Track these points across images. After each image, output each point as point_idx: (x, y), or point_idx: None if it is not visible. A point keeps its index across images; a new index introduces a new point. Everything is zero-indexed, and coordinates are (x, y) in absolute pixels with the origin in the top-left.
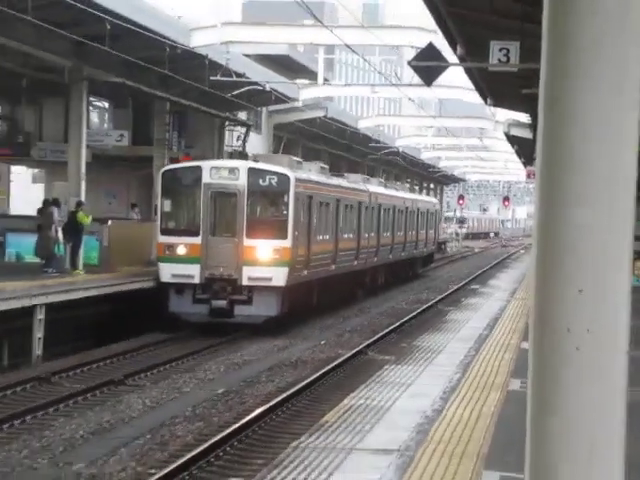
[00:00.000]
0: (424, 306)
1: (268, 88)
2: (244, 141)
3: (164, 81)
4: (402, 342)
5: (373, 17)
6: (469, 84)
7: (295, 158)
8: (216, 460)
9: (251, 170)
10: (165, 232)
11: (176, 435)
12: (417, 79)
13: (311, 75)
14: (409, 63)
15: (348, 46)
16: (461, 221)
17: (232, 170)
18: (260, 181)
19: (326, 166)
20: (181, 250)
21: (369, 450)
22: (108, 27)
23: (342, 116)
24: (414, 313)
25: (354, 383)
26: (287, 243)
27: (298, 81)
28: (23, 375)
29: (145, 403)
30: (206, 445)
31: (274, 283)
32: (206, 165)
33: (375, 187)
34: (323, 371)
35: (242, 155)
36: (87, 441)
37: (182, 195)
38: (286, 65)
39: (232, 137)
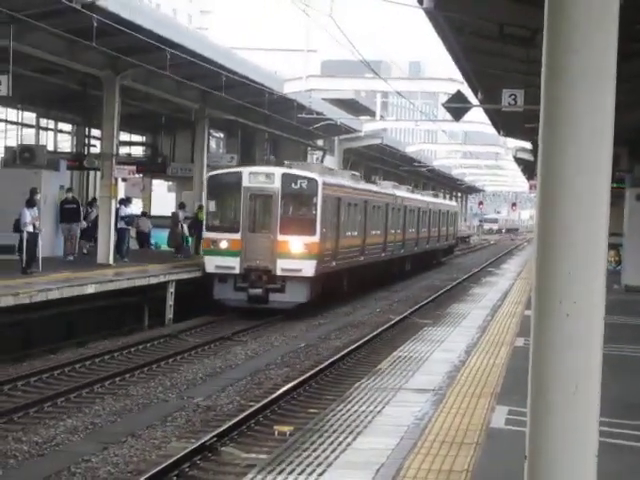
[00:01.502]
0: (453, 283)
1: (339, 123)
2: (321, 161)
3: (264, 118)
4: (437, 310)
5: (416, 71)
6: (487, 120)
7: (327, 166)
8: (298, 396)
9: (284, 175)
10: (210, 229)
11: (269, 377)
12: (449, 116)
13: (371, 113)
14: (443, 105)
15: (398, 92)
16: (494, 221)
17: (268, 175)
18: (292, 184)
19: (357, 173)
20: (224, 244)
21: (412, 389)
22: (224, 79)
23: (393, 143)
24: (446, 288)
25: (401, 340)
26: (315, 238)
27: (361, 117)
28: (158, 333)
29: (247, 353)
30: (291, 385)
31: (304, 273)
32: (245, 171)
33: (401, 192)
34: (378, 331)
35: (277, 162)
36: (204, 381)
37: (225, 197)
38: (352, 106)
39: (312, 158)
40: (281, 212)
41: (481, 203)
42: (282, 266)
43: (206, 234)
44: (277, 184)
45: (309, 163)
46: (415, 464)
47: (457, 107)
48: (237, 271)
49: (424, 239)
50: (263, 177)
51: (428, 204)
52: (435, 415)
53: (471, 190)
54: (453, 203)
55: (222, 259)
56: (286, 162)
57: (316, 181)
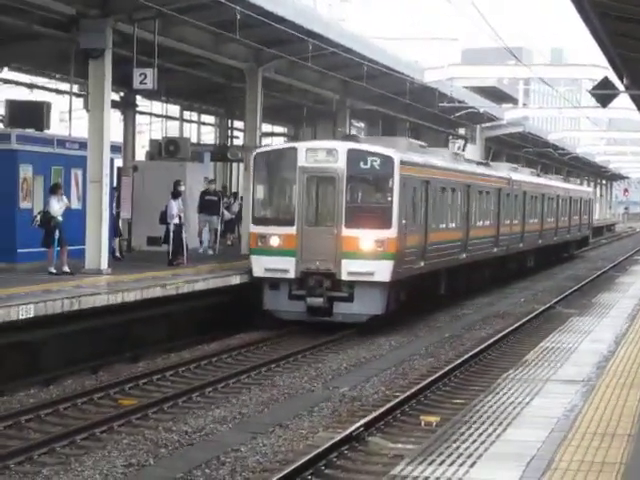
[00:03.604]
0: (598, 272)
1: (481, 111)
2: (463, 150)
3: (405, 107)
4: (583, 299)
5: (558, 58)
6: (632, 106)
7: (417, 142)
8: (443, 386)
9: (351, 151)
10: (258, 221)
11: (414, 368)
12: (592, 103)
13: (513, 100)
14: (589, 91)
15: (541, 79)
16: None
17: (330, 151)
18: (361, 164)
19: (461, 153)
20: (275, 241)
21: (561, 381)
22: (365, 69)
23: (536, 131)
24: (591, 277)
25: (547, 330)
26: (392, 233)
27: (503, 105)
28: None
29: (391, 344)
30: (436, 375)
31: (377, 278)
32: (301, 146)
33: (519, 175)
34: (523, 321)
35: (346, 135)
36: (349, 371)
37: (276, 180)
38: (494, 94)
39: (454, 147)
40: (347, 199)
41: (626, 190)
42: (349, 269)
43: (253, 228)
44: (342, 163)
45: (390, 137)
46: (567, 456)
47: (604, 93)
48: (292, 275)
49: (550, 230)
50: (324, 154)
51: (556, 190)
52: (585, 407)
53: (616, 177)
54: (587, 189)
55: (273, 260)
56: (361, 137)
57: (391, 159)
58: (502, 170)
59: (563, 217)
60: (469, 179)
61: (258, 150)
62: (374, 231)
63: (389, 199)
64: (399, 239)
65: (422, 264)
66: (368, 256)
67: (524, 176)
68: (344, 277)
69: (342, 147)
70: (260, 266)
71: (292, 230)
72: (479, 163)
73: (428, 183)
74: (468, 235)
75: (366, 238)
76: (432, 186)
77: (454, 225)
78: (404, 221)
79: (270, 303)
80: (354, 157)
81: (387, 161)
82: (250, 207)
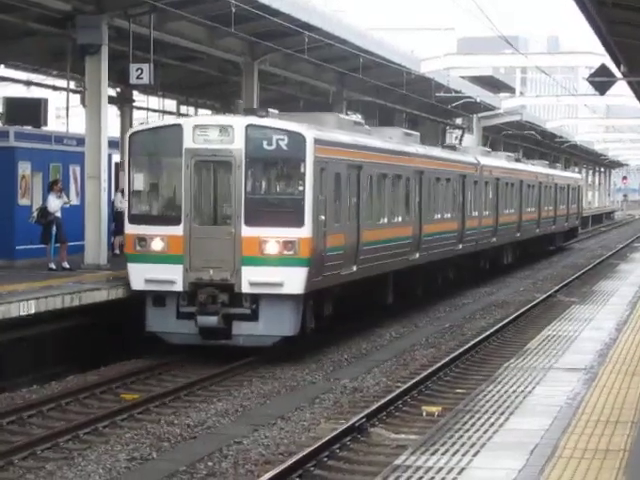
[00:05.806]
0: (598, 260)
1: (478, 100)
2: (460, 140)
3: (402, 98)
4: (583, 287)
5: (555, 46)
6: (630, 92)
7: (351, 118)
8: (445, 376)
9: (250, 128)
10: (136, 219)
11: (415, 358)
12: (590, 90)
13: (510, 89)
14: (586, 79)
15: (538, 67)
16: None
17: (224, 129)
18: (264, 144)
19: (416, 133)
20: (157, 245)
21: (562, 369)
22: (361, 61)
23: (533, 119)
24: (591, 265)
25: (547, 319)
26: (304, 232)
27: (500, 94)
28: None
29: (391, 335)
30: (437, 365)
31: (287, 290)
32: (188, 123)
33: (490, 159)
34: (523, 310)
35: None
36: (350, 363)
37: (157, 167)
38: (491, 83)
39: (451, 137)
40: (247, 190)
41: (625, 178)
42: (251, 278)
43: (129, 228)
44: (239, 143)
45: (313, 113)
46: (570, 444)
47: (601, 81)
48: (179, 287)
49: (531, 222)
50: (216, 132)
51: (537, 176)
52: (588, 394)
53: (614, 165)
54: (576, 175)
55: (155, 268)
56: (272, 111)
57: (302, 137)
58: (469, 154)
59: (547, 207)
60: (422, 164)
61: (134, 129)
62: (282, 230)
63: (300, 189)
64: (315, 239)
65: (354, 269)
66: (275, 262)
67: (497, 161)
68: (245, 289)
69: (239, 123)
70: (139, 276)
71: (178, 230)
72: (444, 147)
73: (360, 169)
74: (421, 231)
75: (272, 239)
76: (366, 172)
77: (400, 220)
78: (323, 217)
79: (154, 323)
80: (255, 135)
81: (297, 140)
82: (126, 202)
